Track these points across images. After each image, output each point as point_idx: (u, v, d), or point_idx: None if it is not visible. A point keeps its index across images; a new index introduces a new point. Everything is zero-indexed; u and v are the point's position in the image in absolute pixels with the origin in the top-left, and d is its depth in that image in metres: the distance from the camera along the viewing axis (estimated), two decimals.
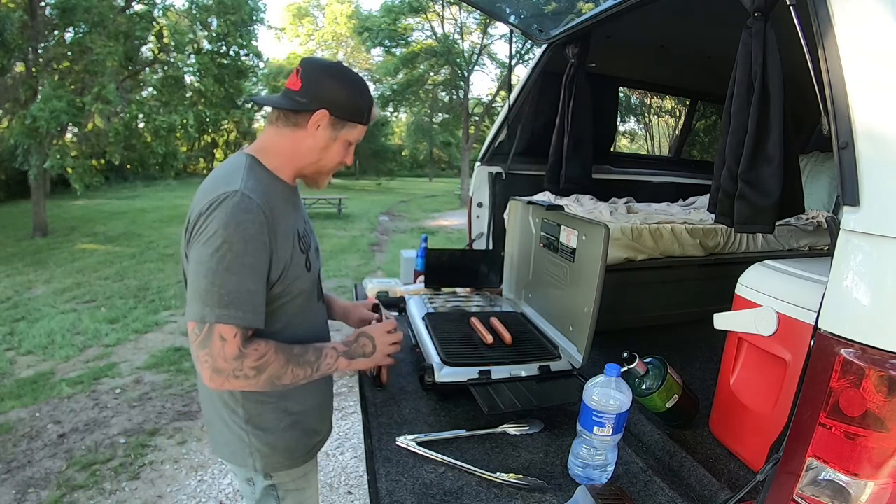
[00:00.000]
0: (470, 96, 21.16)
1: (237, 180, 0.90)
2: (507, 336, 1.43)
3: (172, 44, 10.71)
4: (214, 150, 25.70)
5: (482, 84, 75.89)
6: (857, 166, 0.72)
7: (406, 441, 1.12)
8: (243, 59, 13.37)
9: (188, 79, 11.96)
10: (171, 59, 11.31)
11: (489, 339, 1.41)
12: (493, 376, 1.27)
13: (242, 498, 1.36)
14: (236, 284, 0.85)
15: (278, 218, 0.93)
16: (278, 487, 1.08)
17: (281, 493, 1.09)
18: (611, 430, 0.99)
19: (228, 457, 1.06)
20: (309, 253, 1.04)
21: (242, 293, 0.86)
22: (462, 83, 20.50)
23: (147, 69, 11.75)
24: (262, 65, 15.37)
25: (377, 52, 23.34)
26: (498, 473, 1.02)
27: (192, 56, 11.72)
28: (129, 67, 10.76)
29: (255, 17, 13.36)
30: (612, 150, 3.25)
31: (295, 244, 0.99)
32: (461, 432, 1.18)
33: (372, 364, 1.12)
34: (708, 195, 1.52)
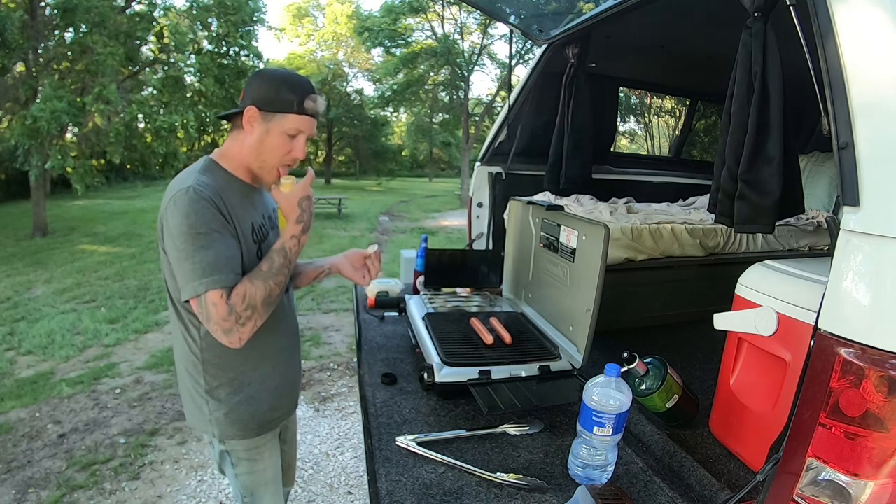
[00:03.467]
0: (470, 96, 21.17)
1: (191, 179, 1.02)
2: (506, 336, 1.43)
3: (173, 44, 10.69)
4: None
5: (482, 84, 75.92)
6: (857, 166, 0.72)
7: (406, 441, 1.12)
8: (243, 59, 13.35)
9: (188, 79, 11.93)
10: (172, 60, 11.30)
11: (489, 339, 1.41)
12: (493, 376, 1.27)
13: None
14: (213, 256, 0.98)
15: (232, 208, 1.05)
16: (231, 454, 1.20)
17: (234, 459, 1.20)
18: (611, 430, 0.99)
19: (194, 423, 1.19)
20: (262, 244, 1.15)
21: (221, 260, 0.99)
22: (462, 83, 20.50)
23: (147, 69, 11.74)
24: (262, 65, 15.36)
25: (377, 52, 23.34)
26: (498, 473, 1.02)
27: (193, 56, 11.70)
28: (130, 67, 10.75)
29: (255, 18, 13.35)
30: (612, 150, 3.25)
31: (248, 235, 1.10)
32: (461, 432, 1.18)
33: (290, 209, 1.13)
34: (708, 195, 1.52)
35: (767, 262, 1.14)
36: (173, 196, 1.00)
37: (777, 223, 1.22)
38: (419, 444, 1.11)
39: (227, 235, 1.03)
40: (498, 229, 2.52)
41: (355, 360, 3.14)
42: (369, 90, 28.64)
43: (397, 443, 1.12)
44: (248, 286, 1.02)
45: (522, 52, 15.42)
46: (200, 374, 1.13)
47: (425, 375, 1.26)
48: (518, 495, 0.98)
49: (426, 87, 21.56)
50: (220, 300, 0.98)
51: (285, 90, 1.07)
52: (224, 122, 1.20)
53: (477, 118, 20.68)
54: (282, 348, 1.25)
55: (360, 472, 2.58)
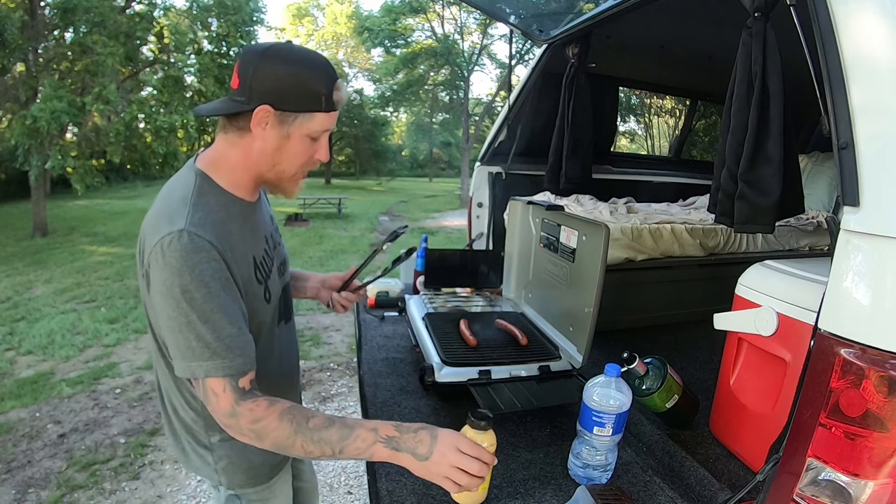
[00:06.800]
0: (470, 96, 21.18)
1: (182, 215, 0.79)
2: (522, 338, 1.43)
3: (173, 44, 10.69)
4: None
5: (482, 84, 75.94)
6: (857, 166, 0.71)
7: None
8: None
9: (188, 79, 11.93)
10: (172, 60, 11.30)
11: (472, 341, 1.40)
12: (493, 376, 1.27)
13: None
14: (211, 333, 0.77)
15: (234, 248, 0.84)
16: (241, 497, 1.04)
17: (244, 501, 1.05)
18: (611, 431, 0.99)
19: (197, 471, 1.03)
20: (268, 282, 0.94)
21: (223, 340, 0.78)
22: (462, 83, 20.51)
23: (147, 69, 11.75)
24: None
25: (377, 52, 23.38)
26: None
27: (193, 56, 11.71)
28: (130, 67, 10.75)
29: (255, 18, 13.35)
30: (612, 150, 3.25)
31: (251, 275, 0.89)
32: None
33: (423, 474, 0.82)
34: (708, 195, 1.52)
35: (767, 262, 1.14)
36: (161, 240, 0.76)
37: (777, 223, 1.22)
38: None
39: (231, 297, 0.81)
40: (498, 229, 2.52)
41: (355, 360, 3.14)
42: (369, 90, 28.75)
43: None
44: (271, 417, 0.79)
45: (522, 52, 15.42)
46: (202, 429, 0.96)
47: (425, 375, 1.26)
48: (518, 494, 0.98)
49: (426, 87, 21.58)
50: (222, 392, 0.78)
51: (310, 80, 0.82)
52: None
53: (477, 118, 20.69)
54: (286, 386, 1.09)
55: (360, 472, 2.58)
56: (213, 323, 0.77)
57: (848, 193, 0.72)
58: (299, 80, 0.82)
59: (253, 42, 13.10)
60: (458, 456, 0.80)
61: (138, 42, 10.57)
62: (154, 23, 10.65)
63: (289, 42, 0.87)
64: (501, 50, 23.00)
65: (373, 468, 1.04)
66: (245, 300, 0.86)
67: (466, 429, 0.87)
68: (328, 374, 3.76)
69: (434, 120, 26.77)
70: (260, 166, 0.88)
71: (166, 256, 0.76)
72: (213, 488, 1.06)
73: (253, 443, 0.81)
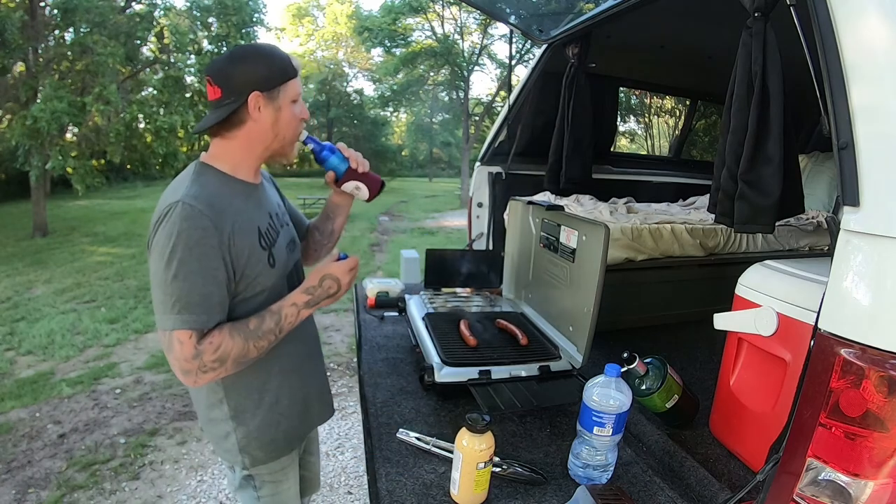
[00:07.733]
0: (470, 96, 21.17)
1: (181, 190, 0.92)
2: (522, 337, 1.43)
3: (173, 44, 10.70)
4: None
5: (482, 84, 75.89)
6: (857, 166, 0.71)
7: (406, 434, 1.12)
8: None
9: (188, 79, 11.93)
10: (172, 60, 11.30)
11: (472, 341, 1.40)
12: (493, 376, 1.27)
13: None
14: (187, 290, 0.88)
15: (231, 217, 0.95)
16: (255, 478, 1.12)
17: (258, 482, 1.12)
18: (611, 431, 0.99)
19: (222, 454, 1.11)
20: (273, 249, 1.05)
21: (194, 297, 0.89)
22: (462, 83, 20.50)
23: (147, 69, 11.75)
24: None
25: (377, 52, 23.38)
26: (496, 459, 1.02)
27: (193, 56, 11.71)
28: (130, 67, 10.76)
29: (255, 19, 13.35)
30: (612, 150, 3.25)
31: (255, 241, 1.00)
32: None
33: (334, 301, 1.09)
34: (708, 195, 1.52)
35: (767, 262, 1.14)
36: (161, 213, 0.90)
37: (777, 223, 1.22)
38: (419, 438, 1.12)
39: (210, 267, 0.91)
40: (498, 229, 2.52)
41: (355, 360, 3.15)
42: (369, 90, 28.71)
43: (398, 436, 1.12)
44: (225, 339, 0.92)
45: (522, 52, 15.42)
46: (223, 401, 1.04)
47: (425, 375, 1.26)
48: (517, 494, 0.98)
49: (426, 87, 21.57)
50: (187, 340, 0.89)
51: (273, 61, 0.99)
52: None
53: (477, 118, 20.68)
54: (306, 356, 1.18)
55: (360, 472, 2.58)
56: (189, 282, 0.88)
57: (848, 193, 0.72)
58: (266, 63, 0.98)
59: (252, 42, 13.12)
60: (350, 274, 1.07)
61: (138, 42, 10.58)
62: (154, 23, 10.65)
63: (236, 46, 1.06)
64: (501, 50, 22.96)
65: (373, 469, 1.04)
66: (247, 264, 0.97)
67: (464, 431, 0.93)
68: (328, 374, 3.76)
69: (434, 120, 26.77)
70: (265, 142, 1.02)
71: (163, 225, 0.89)
72: (230, 469, 1.14)
73: (216, 373, 0.92)
